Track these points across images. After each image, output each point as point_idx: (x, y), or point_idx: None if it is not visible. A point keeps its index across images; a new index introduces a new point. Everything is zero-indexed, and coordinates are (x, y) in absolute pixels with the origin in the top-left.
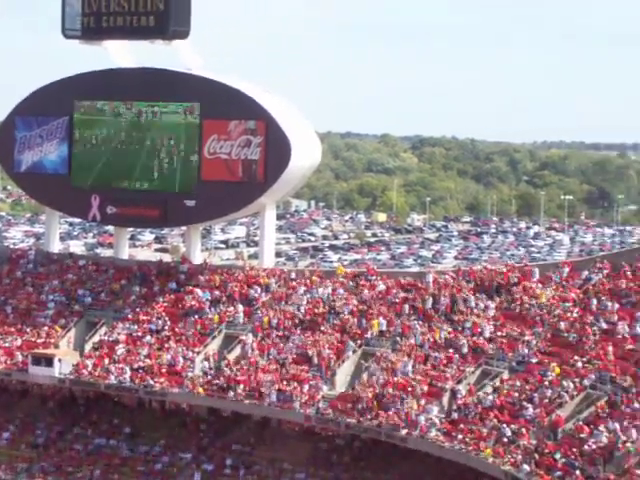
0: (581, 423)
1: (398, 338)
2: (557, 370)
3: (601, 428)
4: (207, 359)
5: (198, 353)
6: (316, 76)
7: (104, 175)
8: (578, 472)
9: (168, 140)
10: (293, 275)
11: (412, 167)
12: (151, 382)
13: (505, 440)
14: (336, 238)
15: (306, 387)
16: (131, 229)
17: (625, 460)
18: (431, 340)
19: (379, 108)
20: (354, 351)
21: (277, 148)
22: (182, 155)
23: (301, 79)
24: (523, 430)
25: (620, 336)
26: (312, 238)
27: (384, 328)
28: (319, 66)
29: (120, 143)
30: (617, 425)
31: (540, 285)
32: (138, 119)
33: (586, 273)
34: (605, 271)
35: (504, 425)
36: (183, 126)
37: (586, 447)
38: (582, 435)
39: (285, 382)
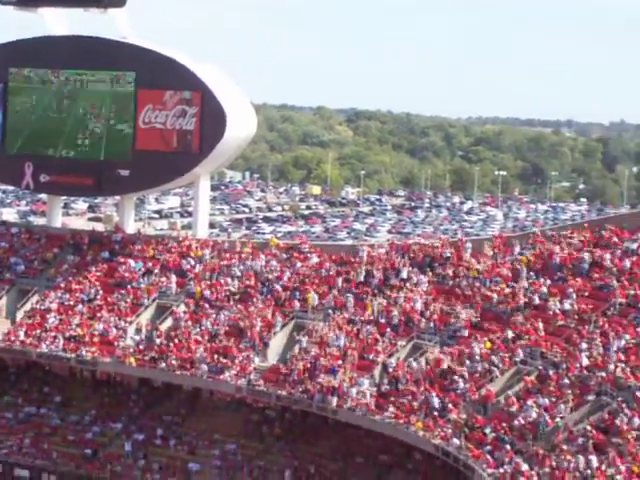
0: (511, 398)
1: (331, 311)
2: (488, 344)
3: (530, 403)
4: (139, 329)
5: (130, 323)
6: (252, 47)
7: (34, 143)
8: (508, 447)
9: (99, 109)
10: (226, 246)
11: (347, 140)
12: (83, 351)
13: (435, 414)
14: (270, 210)
15: (238, 359)
16: (64, 198)
17: (554, 435)
18: (363, 313)
19: (315, 80)
20: (286, 324)
21: (212, 119)
22: (115, 124)
23: (237, 50)
24: (453, 404)
25: (551, 312)
26: (246, 210)
27: (317, 301)
28: (255, 37)
29: (50, 111)
30: (546, 400)
31: (473, 260)
32: (66, 87)
33: (518, 249)
34: (537, 247)
35: (434, 399)
36: (116, 95)
37: (516, 422)
38: (512, 410)
39: (217, 354)
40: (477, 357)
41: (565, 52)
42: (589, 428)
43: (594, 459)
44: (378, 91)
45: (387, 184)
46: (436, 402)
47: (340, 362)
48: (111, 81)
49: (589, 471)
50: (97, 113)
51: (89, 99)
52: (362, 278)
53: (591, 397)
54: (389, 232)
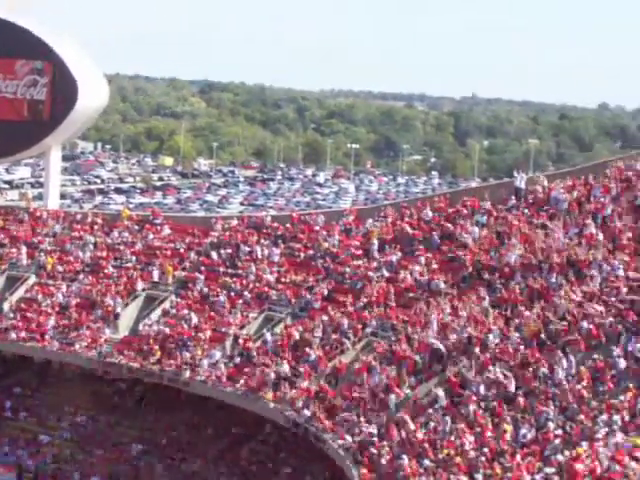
0: (362, 369)
1: (183, 283)
2: (339, 316)
3: (381, 374)
4: None
5: None
6: (104, 17)
7: None
8: (358, 417)
9: None
10: (78, 218)
11: (200, 112)
12: None
13: (287, 385)
14: (122, 181)
15: (89, 331)
16: None
17: (404, 406)
18: (215, 286)
19: (168, 51)
20: (138, 295)
21: (64, 88)
22: None
23: (89, 19)
24: (304, 375)
25: (402, 284)
26: (98, 180)
27: (169, 273)
28: (108, 7)
29: None
30: (395, 372)
31: (325, 232)
32: None
33: (370, 221)
34: (389, 220)
35: (286, 370)
36: None
37: (366, 393)
38: (363, 381)
39: (68, 325)
40: (328, 329)
41: (415, 26)
42: (442, 396)
43: (447, 428)
44: (231, 62)
45: (240, 156)
46: (287, 373)
47: (192, 334)
48: None
49: (439, 442)
50: None
51: None
52: (214, 250)
53: (439, 366)
54: (241, 204)
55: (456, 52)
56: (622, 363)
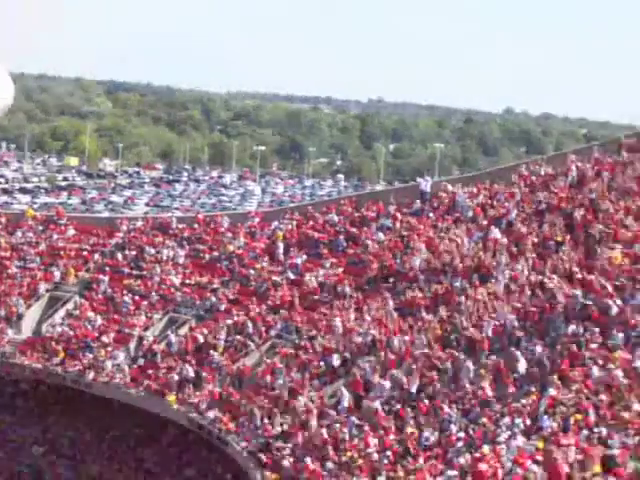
0: (266, 371)
1: (88, 283)
2: (244, 318)
3: (285, 376)
4: None
5: None
6: (11, 15)
7: None
8: (262, 420)
9: None
10: None
11: (106, 112)
12: None
13: (191, 387)
14: (27, 181)
15: None
16: None
17: (309, 408)
18: (120, 287)
19: (74, 51)
20: (41, 296)
21: None
22: None
23: None
24: (208, 378)
25: (306, 287)
26: (2, 180)
27: (73, 274)
28: (14, 5)
29: None
30: (299, 375)
31: (230, 234)
32: None
33: (276, 223)
34: (295, 222)
35: (190, 372)
36: None
37: (270, 395)
38: (266, 383)
39: None
40: (233, 331)
41: (322, 28)
42: (346, 398)
43: (351, 430)
44: (138, 63)
45: (145, 157)
46: (191, 375)
47: (96, 335)
48: None
49: (342, 446)
50: None
51: None
52: (119, 251)
53: (342, 369)
54: (147, 205)
55: (363, 56)
56: (524, 366)
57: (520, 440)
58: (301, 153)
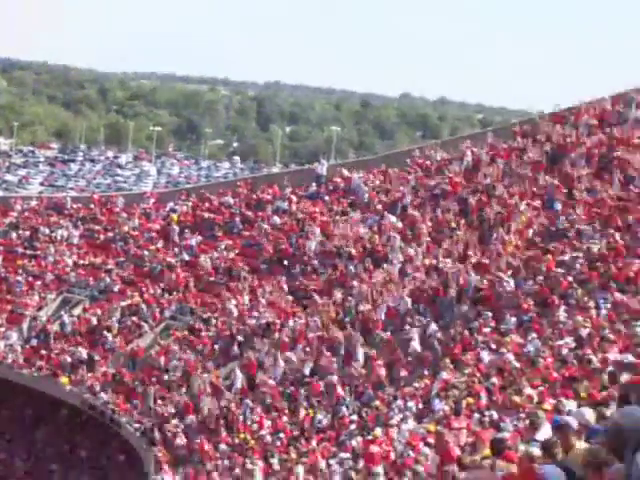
0: (160, 353)
1: None
2: (138, 300)
3: (179, 358)
4: None
5: None
6: None
7: None
8: (154, 400)
9: None
10: None
11: (1, 90)
12: None
13: (84, 368)
14: None
15: None
16: None
17: (202, 389)
18: (13, 267)
19: None
20: None
21: None
22: None
23: None
24: (102, 358)
25: (201, 268)
26: None
27: None
28: None
29: None
30: (193, 356)
31: (124, 215)
32: None
33: (171, 204)
34: (190, 203)
35: (83, 353)
36: None
37: (165, 376)
38: (160, 364)
39: None
40: (127, 312)
41: (219, 10)
42: (239, 380)
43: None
44: (34, 42)
45: (41, 136)
46: (84, 356)
47: None
48: None
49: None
50: None
51: None
52: (13, 231)
53: (237, 351)
54: (41, 184)
55: (261, 37)
56: (418, 348)
57: (412, 423)
58: (197, 134)
